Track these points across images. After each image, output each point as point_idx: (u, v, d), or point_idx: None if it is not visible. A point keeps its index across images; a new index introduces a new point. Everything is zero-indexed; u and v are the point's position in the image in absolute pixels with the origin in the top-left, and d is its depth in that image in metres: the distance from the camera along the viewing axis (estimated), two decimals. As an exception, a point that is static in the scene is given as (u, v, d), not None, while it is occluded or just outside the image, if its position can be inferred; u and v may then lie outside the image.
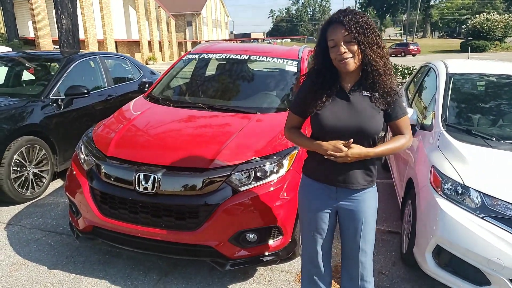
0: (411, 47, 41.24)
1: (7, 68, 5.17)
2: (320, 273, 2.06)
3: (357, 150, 1.74)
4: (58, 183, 4.54)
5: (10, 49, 9.93)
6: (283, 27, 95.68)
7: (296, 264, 2.93)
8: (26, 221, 3.61)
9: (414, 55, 40.07)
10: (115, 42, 26.37)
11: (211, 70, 4.42)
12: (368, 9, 66.30)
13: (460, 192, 2.44)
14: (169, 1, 38.82)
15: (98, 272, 2.84)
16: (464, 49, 39.26)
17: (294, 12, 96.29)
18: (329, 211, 1.95)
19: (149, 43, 31.65)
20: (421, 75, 4.58)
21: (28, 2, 18.11)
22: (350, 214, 1.93)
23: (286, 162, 2.61)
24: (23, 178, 3.95)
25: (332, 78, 1.83)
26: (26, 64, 5.31)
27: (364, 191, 1.91)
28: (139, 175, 2.50)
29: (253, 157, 2.58)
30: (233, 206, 2.44)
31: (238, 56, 4.02)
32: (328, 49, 1.76)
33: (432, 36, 75.13)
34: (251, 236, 2.50)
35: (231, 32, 74.83)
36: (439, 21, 73.89)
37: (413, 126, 3.31)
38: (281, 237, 2.57)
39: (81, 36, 16.05)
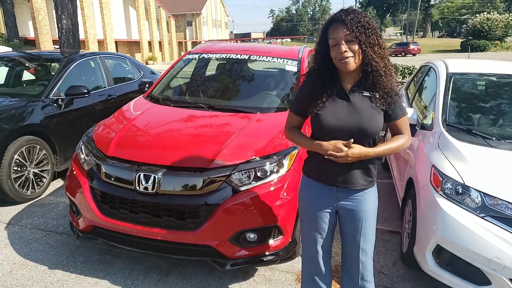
0: (411, 46, 41.22)
1: (8, 68, 5.18)
2: (321, 273, 2.06)
3: (358, 150, 1.74)
4: (59, 183, 4.54)
5: (11, 49, 9.92)
6: (283, 27, 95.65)
7: (296, 263, 2.93)
8: (26, 221, 3.61)
9: (414, 54, 40.06)
10: (115, 42, 26.38)
11: (211, 70, 4.42)
12: (368, 9, 66.26)
13: (460, 191, 2.44)
14: (169, 1, 38.83)
15: (99, 272, 2.84)
16: (464, 48, 39.29)
17: (294, 12, 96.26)
18: (329, 210, 1.95)
19: (149, 43, 31.66)
20: (421, 74, 4.58)
21: (29, 2, 18.11)
22: (350, 213, 1.93)
23: (286, 162, 2.61)
24: (23, 178, 3.95)
25: (332, 78, 1.83)
26: (27, 64, 5.31)
27: (365, 190, 1.91)
28: (139, 175, 2.50)
29: (253, 157, 2.58)
30: (233, 206, 2.44)
31: (238, 56, 4.02)
32: (329, 48, 1.76)
33: (432, 36, 75.07)
34: (251, 235, 2.50)
35: (231, 32, 74.82)
36: (439, 20, 73.86)
37: (413, 126, 3.31)
38: (281, 236, 2.57)
39: (81, 36, 16.06)
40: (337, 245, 2.97)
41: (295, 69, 3.79)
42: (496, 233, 2.23)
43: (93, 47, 21.73)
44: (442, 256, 2.45)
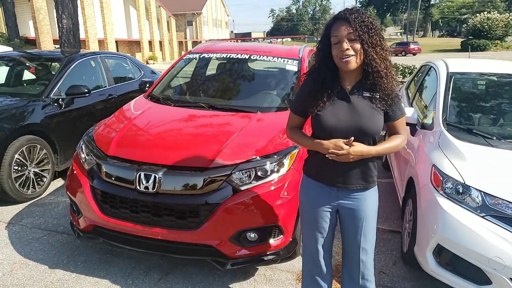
0: (412, 46, 41.21)
1: (8, 67, 5.18)
2: (321, 272, 2.06)
3: (359, 148, 1.74)
4: (59, 182, 4.55)
5: (11, 49, 9.93)
6: (284, 27, 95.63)
7: (297, 263, 2.93)
8: (27, 221, 3.62)
9: (414, 54, 40.04)
10: (116, 41, 26.36)
11: (211, 69, 4.42)
12: (369, 8, 66.24)
13: (461, 191, 2.44)
14: (169, 0, 38.80)
15: (99, 272, 2.85)
16: (464, 48, 39.27)
17: (294, 11, 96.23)
18: (330, 209, 1.95)
19: (150, 42, 31.65)
20: (422, 74, 4.57)
21: (29, 2, 18.11)
22: (351, 212, 1.93)
23: (286, 161, 2.61)
24: (24, 177, 3.95)
25: (333, 78, 1.82)
26: (27, 64, 5.31)
27: (365, 190, 1.91)
28: (140, 175, 2.50)
29: (254, 156, 2.58)
30: (233, 205, 2.44)
31: (239, 56, 4.02)
32: (331, 46, 1.76)
33: (432, 35, 75.05)
34: (252, 235, 2.50)
35: (232, 32, 74.82)
36: (440, 20, 73.81)
37: (413, 126, 3.31)
38: (281, 236, 2.57)
39: (82, 35, 16.06)
40: (337, 245, 2.97)
41: (295, 68, 3.79)
42: (497, 232, 2.23)
43: (93, 47, 21.73)
44: (443, 255, 2.45)
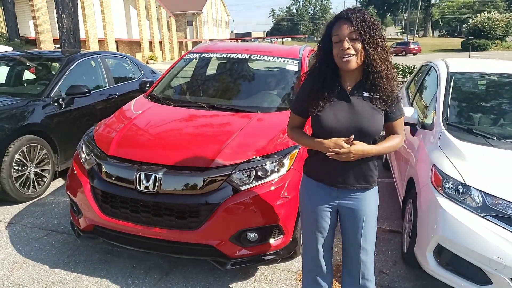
0: (412, 46, 41.21)
1: (8, 67, 5.18)
2: (321, 272, 2.06)
3: (360, 146, 1.73)
4: (59, 182, 4.55)
5: (11, 49, 9.93)
6: (284, 26, 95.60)
7: (297, 263, 2.93)
8: (27, 220, 3.62)
9: (414, 54, 40.04)
10: (116, 41, 26.36)
11: (211, 69, 4.42)
12: (369, 8, 66.22)
13: (461, 191, 2.44)
14: (169, 0, 38.80)
15: (99, 271, 2.85)
16: (465, 48, 39.20)
17: (294, 11, 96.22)
18: (330, 209, 1.95)
19: (150, 42, 31.65)
20: (422, 74, 4.57)
21: (29, 2, 18.11)
22: (351, 212, 1.93)
23: (287, 161, 2.61)
24: (24, 177, 3.95)
25: (333, 78, 1.82)
26: (27, 64, 5.32)
27: (365, 190, 1.91)
28: (140, 174, 2.50)
29: (254, 156, 2.58)
30: (234, 205, 2.44)
31: (239, 56, 4.02)
32: (331, 45, 1.76)
33: (432, 35, 75.04)
34: (252, 235, 2.50)
35: (232, 31, 74.79)
36: (440, 20, 73.81)
37: (414, 125, 3.31)
38: (282, 236, 2.57)
39: (82, 35, 16.06)
40: (338, 244, 2.97)
41: (295, 68, 3.79)
42: (497, 232, 2.23)
43: (93, 47, 21.73)
44: (443, 255, 2.45)
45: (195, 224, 2.46)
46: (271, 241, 2.56)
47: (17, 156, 3.83)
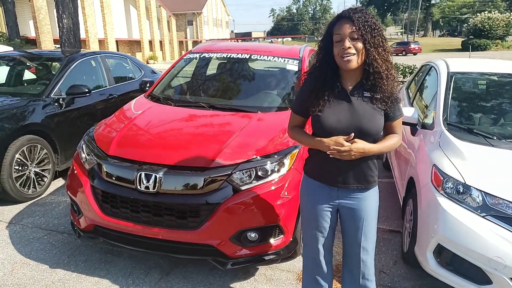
0: (412, 46, 41.18)
1: (9, 67, 5.18)
2: (322, 272, 2.06)
3: (361, 144, 1.73)
4: (60, 182, 4.55)
5: (12, 49, 9.92)
6: (284, 26, 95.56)
7: (297, 263, 2.93)
8: (27, 220, 3.62)
9: (415, 54, 40.01)
10: (116, 41, 26.37)
11: (212, 69, 4.42)
12: (369, 8, 66.22)
13: (461, 191, 2.44)
14: (169, 0, 38.80)
15: (100, 271, 2.85)
16: (465, 47, 39.22)
17: (295, 11, 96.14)
18: (330, 209, 1.95)
19: (150, 42, 31.66)
20: (422, 74, 4.57)
21: (29, 2, 18.12)
22: (351, 212, 1.93)
23: (287, 161, 2.61)
24: (24, 177, 3.96)
25: (333, 78, 1.82)
26: (28, 64, 5.32)
27: (366, 190, 1.91)
28: (140, 174, 2.50)
29: (254, 156, 2.58)
30: (234, 205, 2.44)
31: (239, 55, 4.02)
32: (332, 44, 1.76)
33: (433, 35, 75.01)
34: (253, 235, 2.50)
35: (232, 31, 74.79)
36: (440, 19, 73.78)
37: (414, 125, 3.31)
38: (282, 236, 2.57)
39: (82, 35, 16.05)
40: (338, 244, 2.98)
41: (296, 68, 3.79)
42: (497, 232, 2.23)
43: (94, 46, 21.74)
44: (443, 255, 2.45)
45: (195, 224, 2.46)
46: (272, 241, 2.56)
47: (17, 156, 3.84)
